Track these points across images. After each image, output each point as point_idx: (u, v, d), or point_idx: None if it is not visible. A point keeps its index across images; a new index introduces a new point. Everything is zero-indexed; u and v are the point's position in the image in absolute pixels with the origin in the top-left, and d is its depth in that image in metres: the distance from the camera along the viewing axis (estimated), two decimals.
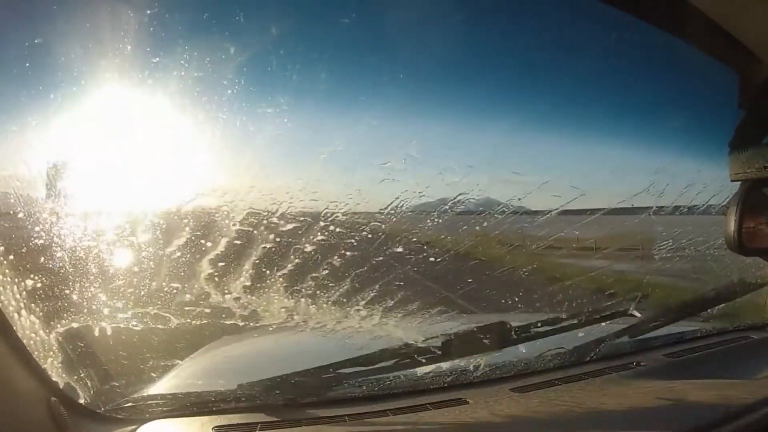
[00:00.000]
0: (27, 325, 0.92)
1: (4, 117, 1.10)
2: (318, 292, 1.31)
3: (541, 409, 1.00)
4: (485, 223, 1.52)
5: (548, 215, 1.54)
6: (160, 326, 1.17)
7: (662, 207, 1.54)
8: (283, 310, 1.27)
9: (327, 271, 1.34)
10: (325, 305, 1.30)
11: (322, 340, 1.40)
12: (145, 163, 1.23)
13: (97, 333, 1.10)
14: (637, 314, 1.37)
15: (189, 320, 1.19)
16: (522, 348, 1.27)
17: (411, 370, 1.12)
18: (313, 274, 1.32)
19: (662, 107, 1.72)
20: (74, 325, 1.05)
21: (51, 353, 0.96)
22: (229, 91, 1.15)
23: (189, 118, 1.18)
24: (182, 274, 1.22)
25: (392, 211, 1.40)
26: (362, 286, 1.33)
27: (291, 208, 1.29)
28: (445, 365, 1.15)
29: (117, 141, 1.17)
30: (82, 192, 1.16)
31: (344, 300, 1.32)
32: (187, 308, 1.19)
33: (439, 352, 1.15)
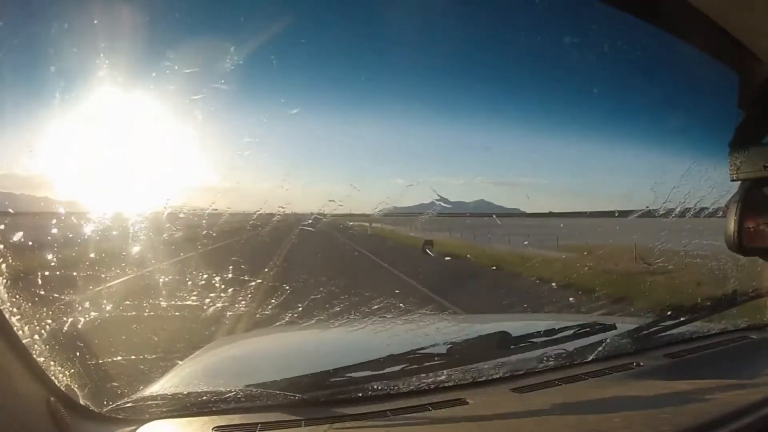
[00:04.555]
0: (27, 325, 0.92)
1: (3, 117, 1.10)
2: (318, 293, 1.31)
3: (541, 409, 1.00)
4: (484, 225, 1.51)
5: (548, 217, 1.53)
6: (160, 326, 1.17)
7: (663, 208, 1.54)
8: (282, 310, 1.27)
9: (326, 273, 1.34)
10: (325, 306, 1.30)
11: (322, 341, 1.39)
12: (144, 164, 1.23)
13: (97, 333, 1.10)
14: (638, 314, 1.37)
15: (189, 320, 1.19)
16: (522, 348, 1.27)
17: (411, 371, 1.12)
18: (313, 276, 1.32)
19: (662, 107, 1.73)
20: (74, 325, 1.05)
21: (51, 353, 0.96)
22: (230, 91, 1.15)
23: (188, 119, 1.18)
24: (182, 274, 1.22)
25: (392, 214, 1.40)
26: (362, 287, 1.33)
27: (291, 209, 1.29)
28: (445, 365, 1.14)
29: (117, 141, 1.17)
30: (81, 192, 1.16)
31: (344, 301, 1.32)
32: (187, 309, 1.19)
33: (440, 353, 1.15)
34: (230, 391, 1.02)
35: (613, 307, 1.48)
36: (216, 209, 1.24)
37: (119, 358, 1.17)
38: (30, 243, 1.03)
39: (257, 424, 0.93)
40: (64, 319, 1.05)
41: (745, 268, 1.56)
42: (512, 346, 1.22)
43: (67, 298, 1.08)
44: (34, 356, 0.86)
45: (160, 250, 1.20)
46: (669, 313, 1.44)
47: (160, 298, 1.19)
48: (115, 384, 1.10)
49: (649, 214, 1.56)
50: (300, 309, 1.28)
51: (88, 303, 1.10)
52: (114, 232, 1.17)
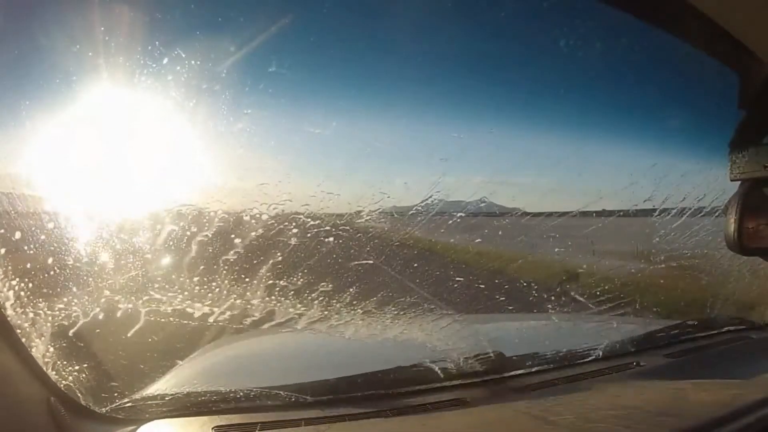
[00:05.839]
0: (27, 325, 0.92)
1: (3, 116, 1.10)
2: (318, 293, 1.31)
3: (541, 409, 1.00)
4: (483, 226, 1.51)
5: (547, 217, 1.54)
6: (160, 326, 1.17)
7: (662, 208, 1.54)
8: (282, 311, 1.27)
9: (327, 274, 1.34)
10: (325, 307, 1.30)
11: (322, 341, 1.39)
12: (145, 163, 1.23)
13: (97, 333, 1.10)
14: (637, 314, 1.37)
15: (189, 320, 1.19)
16: (522, 348, 1.27)
17: (411, 371, 1.12)
18: (314, 276, 1.32)
19: (662, 107, 1.72)
20: (74, 325, 1.05)
21: (51, 353, 0.96)
22: (230, 92, 1.15)
23: (189, 119, 1.18)
24: (183, 274, 1.22)
25: (392, 215, 1.40)
26: (363, 288, 1.33)
27: (289, 210, 1.29)
28: (445, 365, 1.15)
29: (118, 140, 1.17)
30: (82, 192, 1.16)
31: (345, 302, 1.32)
32: (187, 308, 1.19)
33: (440, 353, 1.16)
34: (230, 391, 1.02)
35: (613, 307, 1.48)
36: (219, 209, 1.24)
37: (119, 358, 1.17)
38: (30, 243, 1.03)
39: (257, 423, 0.93)
40: (64, 319, 1.05)
41: (745, 268, 1.56)
42: (512, 346, 1.22)
43: (67, 298, 1.08)
44: (34, 356, 0.86)
45: (162, 250, 1.20)
46: (669, 313, 1.44)
47: (161, 299, 1.19)
48: (115, 384, 1.10)
49: (648, 213, 1.56)
50: (302, 310, 1.28)
51: (88, 303, 1.10)
52: (115, 232, 1.17)
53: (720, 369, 1.29)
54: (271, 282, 1.26)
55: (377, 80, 1.52)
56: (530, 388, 1.11)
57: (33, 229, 1.03)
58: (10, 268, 0.94)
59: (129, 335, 1.14)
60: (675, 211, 1.53)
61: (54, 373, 0.93)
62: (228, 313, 1.21)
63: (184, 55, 1.10)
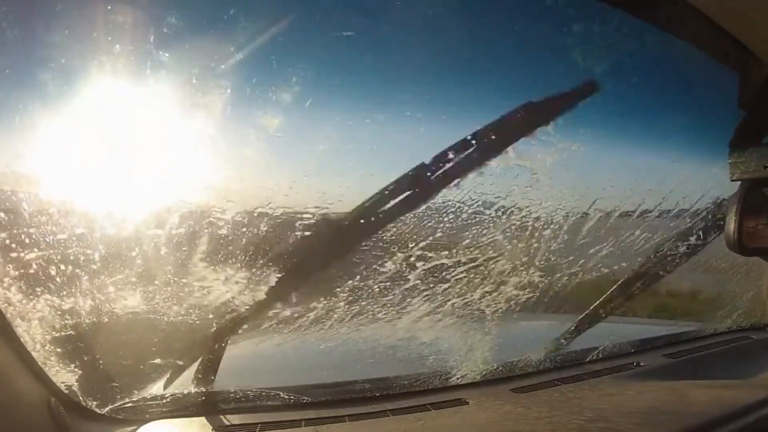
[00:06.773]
0: (27, 325, 0.92)
1: (3, 116, 1.10)
2: (319, 294, 1.31)
3: (541, 409, 1.01)
4: (483, 225, 1.51)
5: (548, 217, 1.53)
6: (160, 326, 1.17)
7: (662, 209, 1.54)
8: (283, 311, 1.27)
9: (328, 274, 1.33)
10: (326, 307, 1.30)
11: (322, 341, 1.40)
12: (145, 162, 1.23)
13: (97, 333, 1.10)
14: (637, 314, 1.37)
15: (189, 320, 1.19)
16: (522, 348, 1.28)
17: (411, 370, 1.13)
18: (314, 277, 1.32)
19: (661, 107, 1.72)
20: (74, 325, 1.05)
21: (51, 353, 0.96)
22: (231, 91, 1.15)
23: (190, 118, 1.18)
24: (183, 274, 1.22)
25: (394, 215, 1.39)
26: (363, 289, 1.33)
27: (291, 209, 1.28)
28: (445, 365, 1.15)
29: (118, 140, 1.17)
30: (83, 191, 1.16)
31: (345, 302, 1.32)
32: (188, 308, 1.19)
33: (440, 353, 1.16)
34: (230, 391, 1.03)
35: (613, 307, 1.48)
36: (219, 209, 1.24)
37: (119, 358, 1.17)
38: (31, 243, 1.02)
39: (257, 424, 0.93)
40: (65, 319, 1.05)
41: (745, 268, 1.57)
42: (512, 347, 1.23)
43: (67, 298, 1.08)
44: (35, 357, 0.87)
45: (163, 250, 1.20)
46: (669, 313, 1.44)
47: (162, 299, 1.19)
48: (115, 384, 1.10)
49: (647, 214, 1.56)
50: (303, 310, 1.28)
51: (88, 303, 1.10)
52: (116, 232, 1.17)
53: (720, 369, 1.30)
54: (271, 283, 1.26)
55: (383, 80, 1.52)
56: (530, 388, 1.11)
57: (33, 228, 1.03)
58: (10, 268, 0.94)
59: (129, 335, 1.14)
60: (674, 211, 1.53)
61: (54, 373, 0.93)
62: (228, 313, 1.21)
63: (185, 55, 1.10)
